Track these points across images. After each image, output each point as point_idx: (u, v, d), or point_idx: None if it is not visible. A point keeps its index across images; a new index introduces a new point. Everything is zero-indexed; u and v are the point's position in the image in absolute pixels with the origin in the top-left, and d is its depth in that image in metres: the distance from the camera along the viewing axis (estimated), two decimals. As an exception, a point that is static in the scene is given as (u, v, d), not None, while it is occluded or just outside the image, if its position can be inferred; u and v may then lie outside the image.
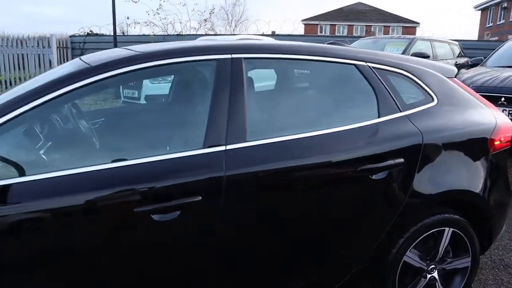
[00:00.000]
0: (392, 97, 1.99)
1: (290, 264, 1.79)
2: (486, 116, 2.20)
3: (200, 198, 1.58)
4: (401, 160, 1.88)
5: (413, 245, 2.01)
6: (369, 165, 1.82)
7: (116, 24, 10.75)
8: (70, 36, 12.84)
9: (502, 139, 2.20)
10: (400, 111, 1.98)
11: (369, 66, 2.00)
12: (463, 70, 6.39)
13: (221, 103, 1.69)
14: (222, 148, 1.65)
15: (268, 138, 1.73)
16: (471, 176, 2.07)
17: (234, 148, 1.66)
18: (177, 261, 1.61)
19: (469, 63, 6.72)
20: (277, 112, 1.93)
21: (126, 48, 1.92)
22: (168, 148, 1.72)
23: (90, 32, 13.13)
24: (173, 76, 2.53)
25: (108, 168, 1.53)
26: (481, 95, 4.63)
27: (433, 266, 2.11)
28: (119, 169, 1.54)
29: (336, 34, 31.67)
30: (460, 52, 8.85)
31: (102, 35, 13.06)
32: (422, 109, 2.04)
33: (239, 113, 1.70)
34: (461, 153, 2.06)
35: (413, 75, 2.10)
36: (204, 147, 1.64)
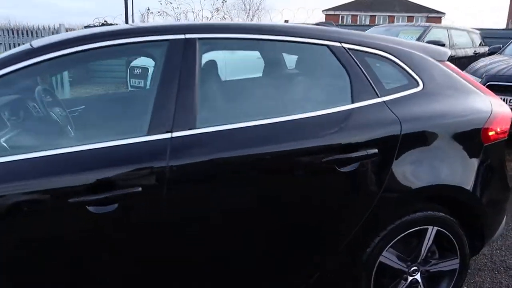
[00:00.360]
0: (369, 81, 1.80)
1: (242, 263, 1.65)
2: (480, 104, 1.98)
3: (141, 189, 1.45)
4: (375, 150, 1.69)
5: (390, 245, 1.83)
6: (336, 156, 1.64)
7: (135, 14, 10.73)
8: (85, 27, 12.96)
9: (499, 130, 1.98)
10: (378, 97, 1.79)
11: (343, 47, 1.82)
12: (481, 59, 6.02)
13: (169, 87, 1.56)
14: (168, 135, 1.51)
15: (221, 125, 1.58)
16: (459, 170, 1.87)
17: (181, 136, 1.52)
18: (116, 257, 1.49)
19: (487, 51, 6.34)
20: (235, 97, 1.78)
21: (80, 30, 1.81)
22: (111, 135, 1.59)
23: (104, 22, 13.20)
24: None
25: (41, 156, 1.42)
26: (494, 84, 4.36)
27: (415, 267, 1.92)
28: (52, 157, 1.43)
29: (358, 24, 30.98)
30: (481, 42, 8.39)
31: (116, 25, 13.10)
32: (404, 94, 1.84)
33: (189, 97, 1.56)
34: (447, 144, 1.85)
35: (395, 57, 1.90)
36: (148, 134, 1.52)
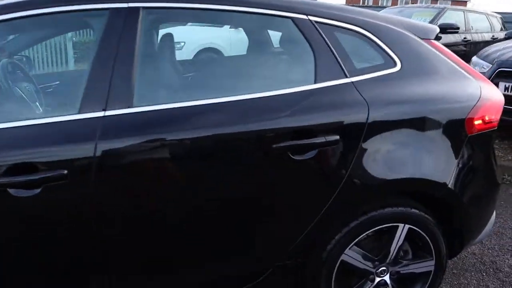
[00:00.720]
0: (336, 60, 1.59)
1: (177, 257, 1.49)
2: (468, 89, 1.76)
3: (66, 172, 1.31)
4: (336, 137, 1.50)
5: (354, 242, 1.65)
6: (290, 141, 1.46)
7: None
8: None
9: (487, 119, 1.75)
10: (346, 77, 1.59)
11: (310, 20, 1.61)
12: (494, 44, 5.65)
13: (105, 60, 1.39)
14: (100, 114, 1.35)
15: (162, 104, 1.41)
16: (436, 163, 1.66)
17: (115, 115, 1.36)
18: (37, 244, 1.36)
19: (504, 36, 5.95)
20: (181, 74, 1.60)
21: None
22: (48, 112, 1.45)
23: None
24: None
25: None
26: (506, 70, 4.04)
27: (383, 268, 1.75)
28: None
29: (380, 5, 30.05)
30: (501, 27, 7.92)
31: None
32: (377, 75, 1.63)
33: (126, 72, 1.39)
34: (424, 134, 1.64)
35: (371, 33, 1.68)
36: (79, 112, 1.36)
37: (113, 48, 1.40)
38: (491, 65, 4.18)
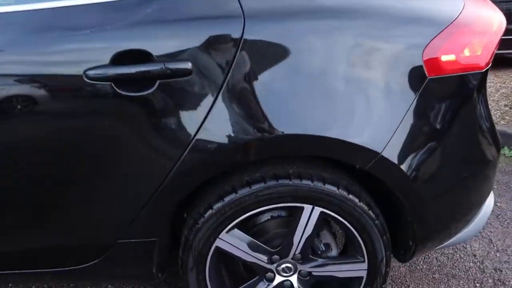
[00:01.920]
0: None
1: None
2: (436, 6, 1.11)
3: None
4: (186, 65, 0.98)
5: (234, 224, 1.14)
6: (110, 68, 0.97)
7: None
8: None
9: (466, 55, 1.11)
10: None
11: None
12: None
13: None
14: None
15: None
16: (360, 116, 1.06)
17: None
18: None
19: None
20: None
21: None
22: None
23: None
24: None
25: None
26: None
27: (288, 265, 1.23)
28: None
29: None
30: None
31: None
32: None
33: None
34: (343, 69, 1.05)
35: None
36: None
37: None
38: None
